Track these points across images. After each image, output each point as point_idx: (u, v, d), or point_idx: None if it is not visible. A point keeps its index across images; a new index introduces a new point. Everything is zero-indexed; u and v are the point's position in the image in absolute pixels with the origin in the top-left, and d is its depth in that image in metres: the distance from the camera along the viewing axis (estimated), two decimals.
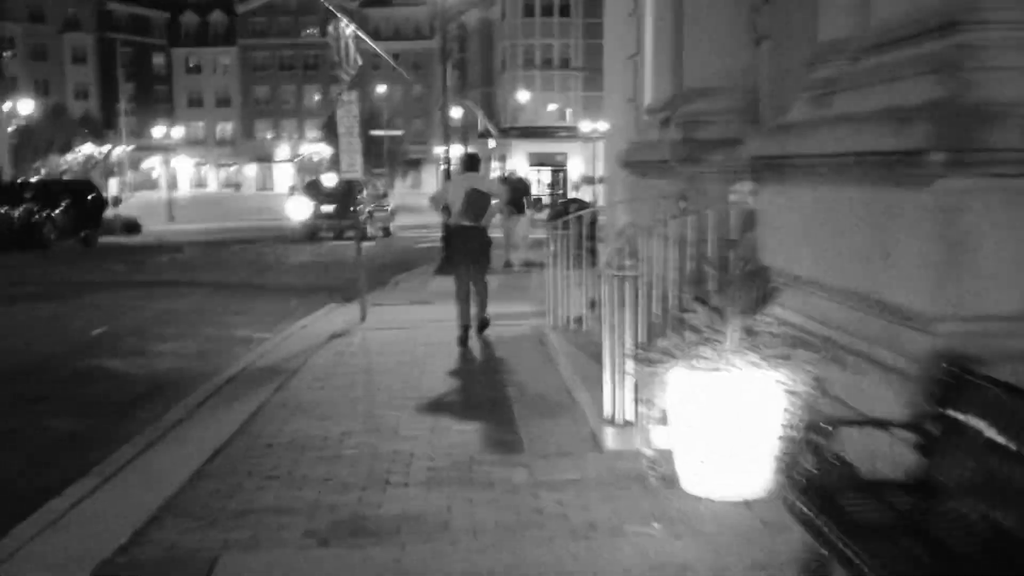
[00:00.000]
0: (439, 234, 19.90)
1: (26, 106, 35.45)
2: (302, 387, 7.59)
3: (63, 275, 18.67)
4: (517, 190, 17.56)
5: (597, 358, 5.90)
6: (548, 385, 7.44)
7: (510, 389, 7.42)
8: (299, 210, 27.86)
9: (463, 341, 9.24)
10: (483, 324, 9.57)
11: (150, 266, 21.07)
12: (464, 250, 9.35)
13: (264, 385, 7.63)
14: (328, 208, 26.77)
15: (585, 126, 55.74)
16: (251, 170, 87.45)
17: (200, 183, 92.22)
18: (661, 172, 7.91)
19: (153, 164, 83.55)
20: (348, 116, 10.61)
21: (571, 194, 60.80)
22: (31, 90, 77.03)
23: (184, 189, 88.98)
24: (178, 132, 79.16)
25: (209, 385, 7.78)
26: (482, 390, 7.48)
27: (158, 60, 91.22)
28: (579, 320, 8.80)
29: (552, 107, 59.42)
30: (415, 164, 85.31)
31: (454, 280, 9.50)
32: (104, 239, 31.71)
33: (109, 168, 71.18)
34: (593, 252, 10.11)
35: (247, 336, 10.63)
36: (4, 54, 60.94)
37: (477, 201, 9.11)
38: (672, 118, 7.99)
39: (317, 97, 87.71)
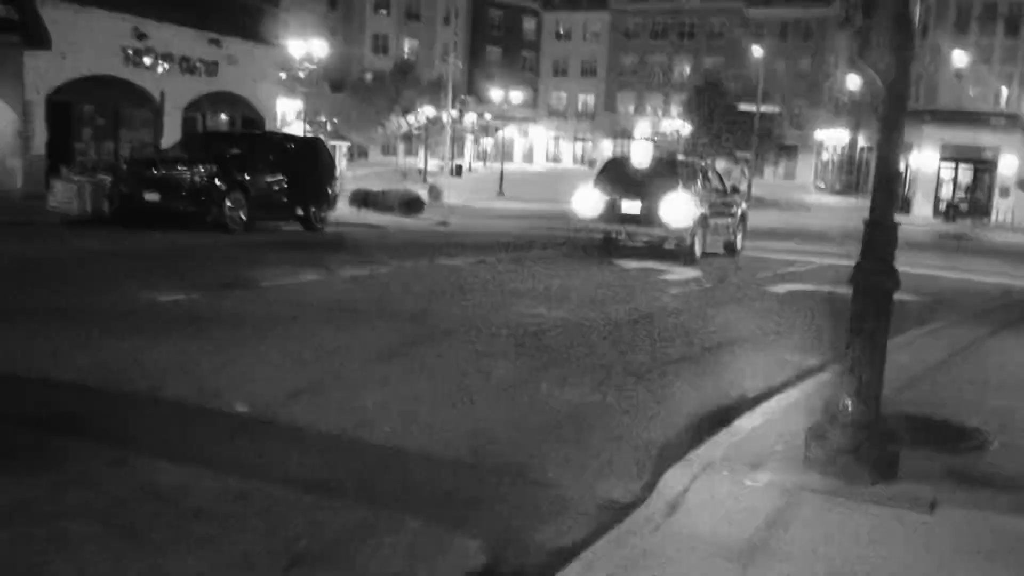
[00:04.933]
0: (827, 260, 9.89)
1: (321, 48, 29.91)
2: None
3: None
4: None
5: None
6: None
7: None
8: (586, 206, 17.79)
9: None
10: None
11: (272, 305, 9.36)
12: None
13: None
14: (632, 205, 17.14)
15: None
16: (607, 146, 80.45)
17: (555, 157, 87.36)
18: None
19: (512, 134, 79.94)
20: None
21: (996, 200, 46.33)
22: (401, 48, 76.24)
23: (539, 162, 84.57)
24: (522, 99, 73.93)
25: None
26: None
27: (528, 25, 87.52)
28: None
29: (973, 90, 45.06)
30: (791, 151, 73.29)
31: None
32: (370, 217, 25.09)
33: (459, 135, 67.75)
34: None
35: None
36: None
37: None
38: None
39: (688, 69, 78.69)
